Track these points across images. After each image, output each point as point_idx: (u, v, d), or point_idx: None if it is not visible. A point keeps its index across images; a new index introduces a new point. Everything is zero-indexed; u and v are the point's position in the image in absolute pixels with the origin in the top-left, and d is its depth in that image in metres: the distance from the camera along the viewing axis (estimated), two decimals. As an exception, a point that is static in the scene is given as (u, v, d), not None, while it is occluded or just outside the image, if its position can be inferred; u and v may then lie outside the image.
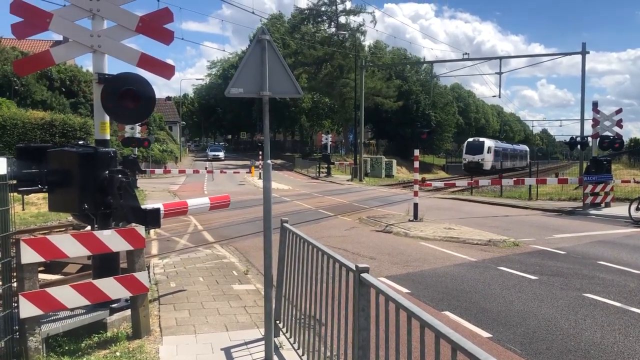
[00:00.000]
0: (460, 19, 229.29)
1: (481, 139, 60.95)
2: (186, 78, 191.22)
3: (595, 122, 20.24)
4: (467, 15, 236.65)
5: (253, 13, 52.97)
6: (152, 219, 6.08)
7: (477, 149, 58.12)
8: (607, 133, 20.17)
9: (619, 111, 20.61)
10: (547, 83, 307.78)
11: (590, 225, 15.46)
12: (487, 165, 57.00)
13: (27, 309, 4.73)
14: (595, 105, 20.76)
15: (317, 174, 43.80)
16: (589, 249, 11.47)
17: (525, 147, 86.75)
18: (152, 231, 12.26)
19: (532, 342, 5.88)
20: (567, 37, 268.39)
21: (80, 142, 6.00)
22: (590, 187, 18.85)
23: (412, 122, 62.84)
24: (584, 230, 14.32)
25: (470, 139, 61.23)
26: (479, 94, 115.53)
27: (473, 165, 56.39)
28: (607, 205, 19.18)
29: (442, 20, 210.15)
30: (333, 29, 58.77)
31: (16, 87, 34.74)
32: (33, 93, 35.88)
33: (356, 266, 3.63)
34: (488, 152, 58.44)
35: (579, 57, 31.31)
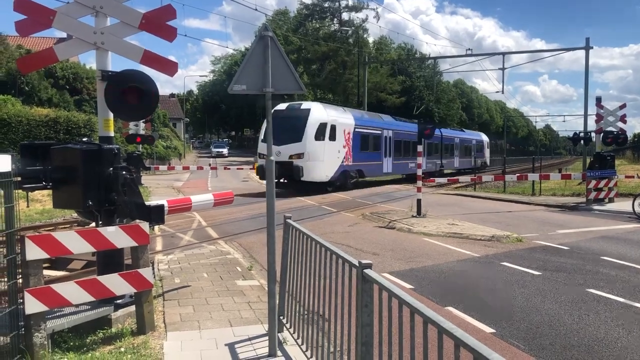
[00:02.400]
0: (461, 15, 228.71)
1: (305, 106, 25.51)
2: (189, 75, 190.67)
3: (599, 118, 20.18)
4: (468, 11, 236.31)
5: (255, 9, 52.76)
6: (156, 215, 6.10)
7: (291, 129, 23.53)
8: (611, 128, 20.11)
9: (622, 106, 20.53)
10: (549, 78, 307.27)
11: (594, 220, 15.44)
12: (319, 172, 24.16)
13: (32, 305, 4.75)
14: (598, 100, 20.68)
15: (320, 170, 43.54)
16: (592, 245, 11.46)
17: (478, 135, 52.87)
18: (156, 227, 12.30)
19: (536, 338, 5.89)
20: (568, 32, 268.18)
21: (84, 139, 6.02)
22: (593, 182, 18.81)
23: (415, 118, 62.53)
24: (587, 225, 14.30)
25: (281, 106, 25.19)
26: (481, 90, 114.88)
27: (274, 169, 8.75)
28: (611, 200, 19.15)
29: (443, 16, 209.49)
30: (337, 26, 58.69)
31: (22, 85, 34.82)
32: (38, 91, 35.97)
33: (359, 262, 3.64)
34: (320, 139, 24.12)
35: (580, 53, 31.42)
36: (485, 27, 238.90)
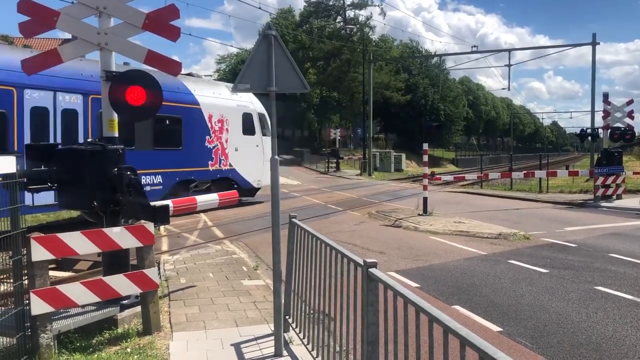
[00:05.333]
0: (464, 12, 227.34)
1: None
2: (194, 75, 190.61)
3: (606, 114, 20.06)
4: (471, 8, 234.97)
5: (259, 8, 52.60)
6: (161, 215, 6.10)
7: None
8: (618, 124, 19.99)
9: (630, 102, 20.40)
10: (554, 75, 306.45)
11: (602, 217, 15.35)
12: None
13: (38, 306, 4.76)
14: (605, 96, 20.56)
15: (326, 169, 43.66)
16: (600, 242, 11.39)
17: (183, 92, 15.51)
18: (162, 227, 12.31)
19: (543, 336, 5.85)
20: (572, 28, 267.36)
21: (89, 140, 6.02)
22: (601, 179, 18.70)
23: (420, 116, 62.22)
24: (595, 222, 14.22)
25: None
26: (487, 87, 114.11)
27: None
28: (619, 197, 19.03)
29: (446, 13, 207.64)
30: (341, 23, 58.57)
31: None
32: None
33: (364, 261, 3.62)
34: None
35: (585, 49, 31.30)
36: (488, 24, 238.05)
